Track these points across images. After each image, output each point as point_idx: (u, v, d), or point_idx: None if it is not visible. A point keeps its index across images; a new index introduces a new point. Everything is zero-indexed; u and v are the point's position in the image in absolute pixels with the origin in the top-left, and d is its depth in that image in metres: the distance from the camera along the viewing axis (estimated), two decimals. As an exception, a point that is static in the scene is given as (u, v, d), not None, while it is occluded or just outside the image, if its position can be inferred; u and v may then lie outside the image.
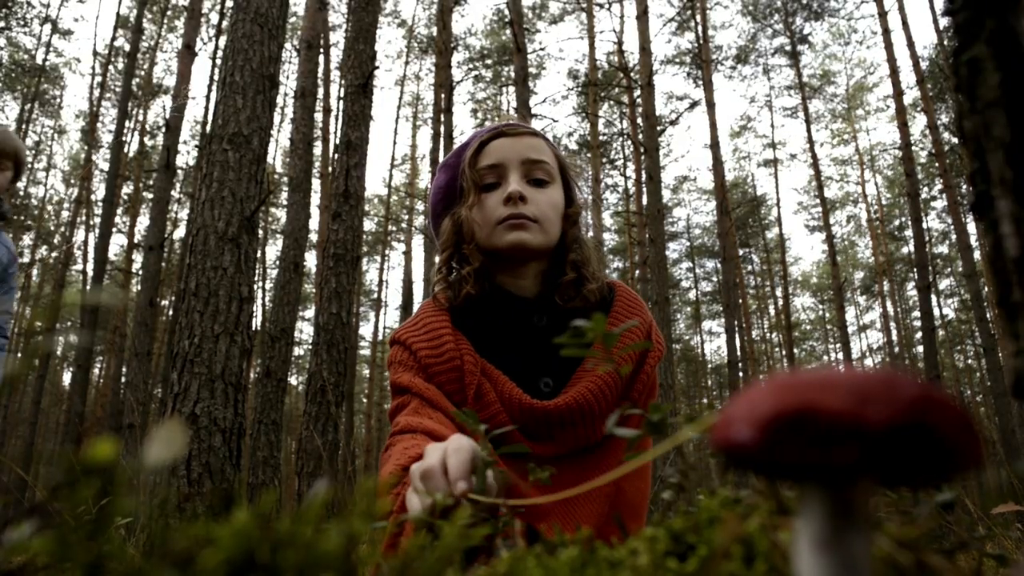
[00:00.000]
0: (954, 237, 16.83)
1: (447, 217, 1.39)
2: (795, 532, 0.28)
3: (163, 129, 12.83)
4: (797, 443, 0.24)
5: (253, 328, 4.35)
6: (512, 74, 16.64)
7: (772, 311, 29.95)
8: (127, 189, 21.17)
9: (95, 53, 20.05)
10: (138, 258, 19.13)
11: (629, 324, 0.61)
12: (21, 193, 22.87)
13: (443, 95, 15.42)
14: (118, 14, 19.78)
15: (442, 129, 14.81)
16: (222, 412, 3.82)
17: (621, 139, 22.62)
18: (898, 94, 14.94)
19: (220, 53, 16.09)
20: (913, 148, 14.78)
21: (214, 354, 3.88)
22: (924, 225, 14.01)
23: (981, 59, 0.46)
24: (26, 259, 23.66)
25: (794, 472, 0.25)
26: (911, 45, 15.37)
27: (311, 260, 22.21)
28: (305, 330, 26.09)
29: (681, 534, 0.39)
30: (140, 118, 21.27)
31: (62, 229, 24.97)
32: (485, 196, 1.32)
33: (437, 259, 1.44)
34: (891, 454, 0.24)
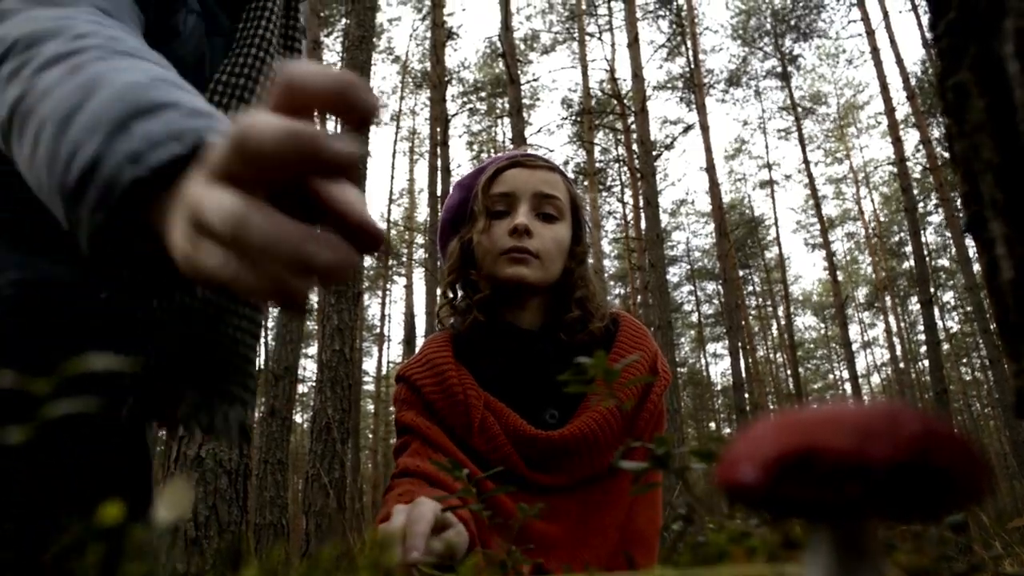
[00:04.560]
0: (954, 250, 16.86)
1: (455, 238, 1.40)
2: (804, 567, 0.27)
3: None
4: (802, 482, 0.24)
5: (256, 367, 4.34)
6: (506, 105, 16.79)
7: (775, 331, 29.89)
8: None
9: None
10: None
11: (631, 359, 0.62)
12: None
13: (439, 129, 15.54)
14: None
15: (439, 163, 14.91)
16: (227, 454, 3.80)
17: (617, 165, 22.76)
18: (890, 111, 15.06)
19: (217, 95, 16.20)
20: (907, 163, 14.86)
21: (218, 395, 3.88)
22: (923, 239, 14.03)
23: (966, 84, 0.47)
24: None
25: (799, 510, 0.25)
26: (900, 62, 15.51)
27: (312, 297, 22.24)
28: (309, 367, 26.04)
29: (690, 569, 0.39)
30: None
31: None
32: (494, 223, 1.33)
33: (440, 279, 1.46)
34: (896, 490, 0.24)
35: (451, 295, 1.39)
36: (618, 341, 1.32)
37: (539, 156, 1.42)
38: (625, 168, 20.71)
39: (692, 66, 18.31)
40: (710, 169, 16.78)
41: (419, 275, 24.80)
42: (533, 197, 1.33)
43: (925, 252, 13.81)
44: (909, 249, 19.28)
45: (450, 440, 1.24)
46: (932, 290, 14.69)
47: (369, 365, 27.01)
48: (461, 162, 25.10)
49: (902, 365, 26.01)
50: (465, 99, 23.99)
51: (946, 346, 21.66)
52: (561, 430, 1.21)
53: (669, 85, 21.94)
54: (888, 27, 16.02)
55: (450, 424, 1.24)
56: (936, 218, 22.43)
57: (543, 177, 1.35)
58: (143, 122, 0.49)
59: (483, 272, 1.33)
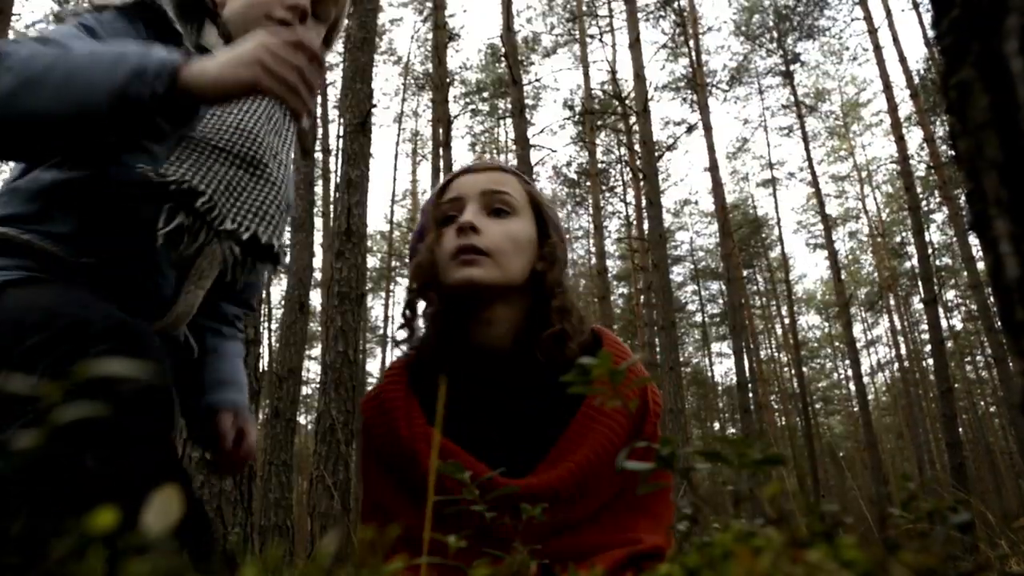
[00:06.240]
0: (957, 248, 16.83)
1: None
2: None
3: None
4: None
5: (260, 369, 4.34)
6: (509, 106, 16.80)
7: (779, 330, 29.83)
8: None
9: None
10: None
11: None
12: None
13: (441, 130, 15.55)
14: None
15: (441, 164, 14.91)
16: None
17: (620, 166, 22.75)
18: (892, 109, 15.02)
19: (220, 98, 16.17)
20: (911, 161, 14.84)
21: (222, 398, 3.88)
22: (926, 238, 14.00)
23: (970, 82, 0.47)
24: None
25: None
26: (903, 60, 15.48)
27: (316, 299, 22.25)
28: (312, 369, 26.06)
29: (696, 570, 0.39)
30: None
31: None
32: (444, 231, 1.24)
33: None
34: None
35: (408, 314, 1.29)
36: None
37: (492, 162, 1.35)
38: (628, 169, 20.70)
39: (694, 66, 18.29)
40: (713, 169, 16.76)
41: (422, 276, 24.72)
42: (481, 196, 1.24)
43: (929, 251, 13.77)
44: (912, 249, 19.28)
45: (405, 494, 1.13)
46: (936, 288, 14.66)
47: (373, 366, 27.07)
48: (464, 163, 25.08)
49: (907, 364, 25.95)
50: (467, 100, 24.00)
51: (950, 344, 21.64)
52: (529, 479, 1.08)
53: (672, 85, 21.94)
54: (891, 25, 16.00)
55: (403, 476, 1.14)
56: (939, 216, 22.40)
57: (491, 176, 1.27)
58: (152, 55, 0.94)
59: (440, 285, 1.22)
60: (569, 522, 1.10)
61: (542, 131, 15.83)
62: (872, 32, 15.99)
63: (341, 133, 7.22)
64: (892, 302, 26.84)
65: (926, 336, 18.72)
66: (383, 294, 27.22)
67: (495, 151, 24.99)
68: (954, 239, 18.17)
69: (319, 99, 16.52)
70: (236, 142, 1.11)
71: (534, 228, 1.25)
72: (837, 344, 30.37)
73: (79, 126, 0.92)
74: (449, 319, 1.22)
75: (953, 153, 0.52)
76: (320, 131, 17.66)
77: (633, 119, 14.72)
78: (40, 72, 0.91)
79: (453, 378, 1.14)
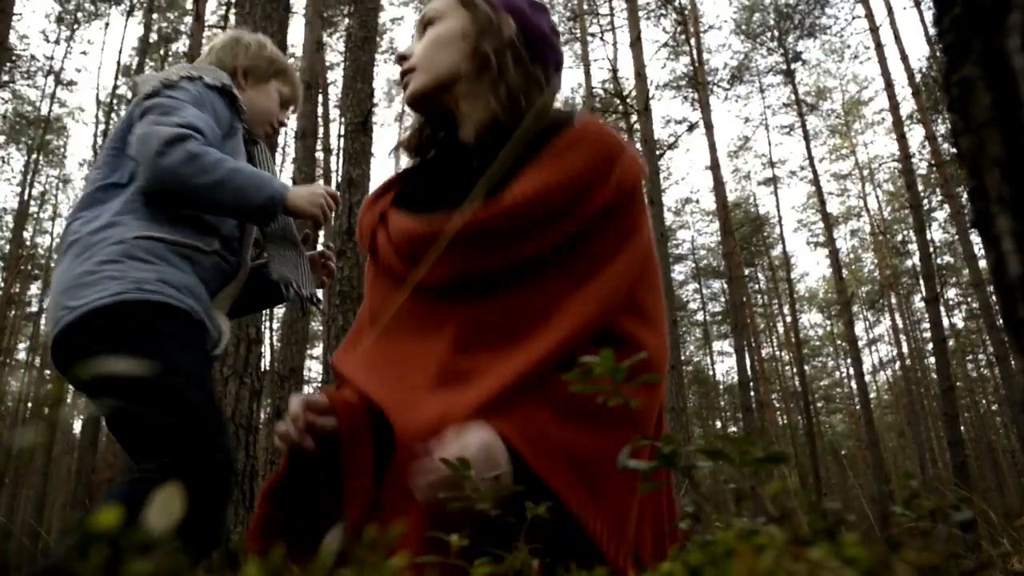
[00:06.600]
0: (959, 247, 16.82)
1: None
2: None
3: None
4: None
5: (262, 369, 4.35)
6: (510, 105, 16.74)
7: (781, 329, 29.81)
8: (133, 235, 21.24)
9: (98, 102, 20.30)
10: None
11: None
12: (28, 243, 23.02)
13: (442, 129, 15.51)
14: (119, 63, 20.08)
15: (443, 162, 14.87)
16: (233, 455, 3.81)
17: (621, 164, 22.64)
18: (894, 107, 15.01)
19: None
20: (912, 159, 14.81)
21: (224, 397, 3.89)
22: (928, 236, 13.97)
23: (972, 79, 0.47)
24: (34, 308, 23.77)
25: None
26: (904, 58, 15.47)
27: (319, 297, 22.20)
28: (314, 368, 26.06)
29: (698, 568, 0.39)
30: (144, 165, 21.42)
31: (69, 278, 24.99)
32: None
33: None
34: None
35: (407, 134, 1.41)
36: (561, 136, 1.15)
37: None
38: (629, 167, 20.63)
39: (696, 64, 18.28)
40: (714, 167, 16.75)
41: (423, 275, 24.67)
42: (420, 32, 1.32)
43: (930, 249, 13.75)
44: (913, 247, 19.24)
45: (382, 273, 1.24)
46: (938, 287, 14.65)
47: (374, 365, 26.92)
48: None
49: (908, 362, 25.92)
50: (468, 99, 23.91)
51: (952, 343, 21.61)
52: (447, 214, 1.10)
53: (673, 84, 21.91)
54: (892, 23, 15.98)
55: (374, 257, 1.26)
56: (941, 214, 22.37)
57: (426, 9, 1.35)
58: (276, 186, 1.66)
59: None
60: (500, 270, 1.09)
61: (543, 130, 15.77)
62: (873, 30, 15.98)
63: (342, 132, 7.21)
64: (893, 300, 26.81)
65: (928, 334, 18.71)
66: (384, 293, 27.18)
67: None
68: (956, 237, 18.15)
69: (320, 98, 16.58)
70: (289, 232, 1.87)
71: (467, 22, 1.26)
72: (839, 342, 30.35)
73: (235, 214, 1.72)
74: (431, 128, 1.34)
75: (955, 151, 0.52)
76: (321, 130, 17.64)
77: (634, 117, 14.71)
78: (223, 178, 1.59)
79: (434, 173, 1.28)
